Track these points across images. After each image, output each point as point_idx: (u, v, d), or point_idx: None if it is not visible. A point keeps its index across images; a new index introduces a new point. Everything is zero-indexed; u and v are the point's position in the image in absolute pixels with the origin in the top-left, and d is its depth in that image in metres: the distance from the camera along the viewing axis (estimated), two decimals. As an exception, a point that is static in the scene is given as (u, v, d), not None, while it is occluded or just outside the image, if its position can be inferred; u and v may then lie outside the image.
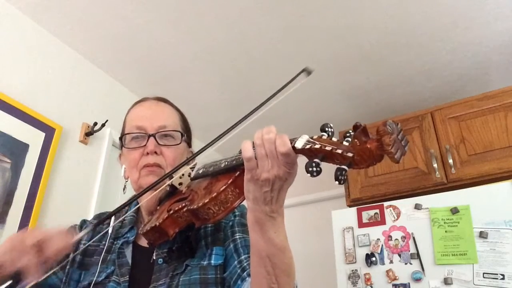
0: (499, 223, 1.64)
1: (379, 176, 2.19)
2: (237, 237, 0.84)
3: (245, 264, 0.78)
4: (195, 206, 0.71)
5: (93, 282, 0.83)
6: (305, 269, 2.82)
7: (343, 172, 0.54)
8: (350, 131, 0.57)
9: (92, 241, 0.91)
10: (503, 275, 1.57)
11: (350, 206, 2.20)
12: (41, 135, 1.81)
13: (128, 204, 0.72)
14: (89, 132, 2.04)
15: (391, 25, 1.96)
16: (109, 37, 2.03)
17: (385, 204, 1.94)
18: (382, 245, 1.86)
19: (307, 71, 0.80)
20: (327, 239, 2.37)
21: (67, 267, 0.88)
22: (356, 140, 0.54)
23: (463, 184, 1.93)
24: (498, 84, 2.29)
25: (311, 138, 0.59)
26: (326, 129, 0.59)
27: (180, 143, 0.93)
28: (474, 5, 1.85)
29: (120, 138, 0.95)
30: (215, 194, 0.69)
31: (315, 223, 2.88)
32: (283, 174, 0.61)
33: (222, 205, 0.70)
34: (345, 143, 0.55)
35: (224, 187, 0.69)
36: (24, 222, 1.66)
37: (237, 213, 0.89)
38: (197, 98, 2.52)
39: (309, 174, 0.56)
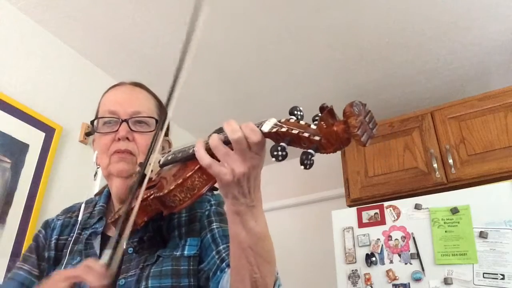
0: (499, 223, 1.64)
1: (379, 176, 2.19)
2: (214, 226, 0.81)
3: (224, 254, 0.76)
4: (161, 193, 0.69)
5: None
6: (305, 269, 2.82)
7: (309, 157, 0.52)
8: (319, 114, 0.54)
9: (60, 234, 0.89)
10: (503, 275, 1.57)
11: (350, 206, 2.20)
12: (41, 135, 1.81)
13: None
14: (89, 132, 2.04)
15: (391, 25, 1.96)
16: (109, 37, 2.03)
17: (385, 204, 1.94)
18: (382, 245, 1.86)
19: None
20: (327, 239, 2.37)
21: (43, 263, 0.87)
22: (322, 123, 0.52)
23: (463, 184, 1.93)
24: (498, 84, 2.29)
25: (279, 121, 0.57)
26: (295, 112, 0.57)
27: (154, 130, 0.87)
28: (474, 5, 1.85)
29: (92, 122, 0.92)
30: (181, 180, 0.67)
31: (315, 223, 2.88)
32: (257, 162, 0.59)
33: (189, 192, 0.67)
34: (312, 126, 0.54)
35: (191, 173, 0.66)
36: (24, 222, 1.66)
37: (213, 202, 0.86)
38: (197, 98, 2.52)
39: (274, 159, 0.53)
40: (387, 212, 1.91)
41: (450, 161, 1.99)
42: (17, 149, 1.70)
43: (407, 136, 2.20)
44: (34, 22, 1.92)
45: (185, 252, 0.79)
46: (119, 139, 0.86)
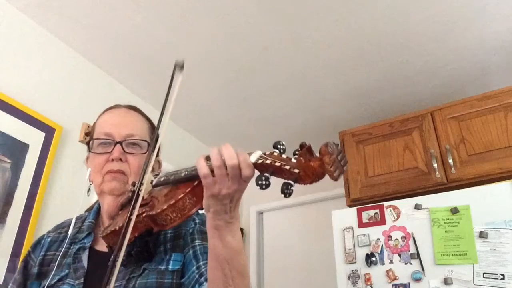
0: (499, 223, 1.64)
1: (379, 176, 2.19)
2: (197, 243, 0.86)
3: (203, 269, 0.80)
4: (154, 212, 0.74)
5: (46, 285, 0.84)
6: (305, 269, 2.82)
7: (289, 187, 0.59)
8: (299, 149, 0.61)
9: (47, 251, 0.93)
10: (503, 275, 1.57)
11: (350, 206, 2.20)
12: (41, 135, 1.81)
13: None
14: (89, 132, 2.04)
15: (391, 25, 1.96)
16: (109, 37, 2.03)
17: (385, 204, 1.94)
18: (382, 245, 1.86)
19: (178, 66, 0.77)
20: (327, 239, 2.37)
21: (28, 282, 0.90)
22: (301, 158, 0.58)
23: (463, 184, 1.93)
24: (498, 84, 2.30)
25: (264, 154, 0.63)
26: (278, 146, 0.63)
27: (146, 152, 0.93)
28: (474, 5, 1.85)
29: (88, 143, 0.96)
30: (173, 201, 0.72)
31: (315, 223, 2.88)
32: (243, 187, 0.66)
33: (180, 212, 0.73)
34: (293, 160, 0.60)
35: (182, 195, 0.72)
36: (24, 222, 1.66)
37: (197, 221, 0.91)
38: (197, 98, 2.52)
39: (258, 187, 0.60)
40: (387, 212, 1.91)
41: (450, 161, 1.99)
42: (17, 149, 1.70)
43: (407, 136, 2.20)
44: (34, 22, 1.92)
45: (170, 267, 0.83)
46: (112, 160, 0.90)
